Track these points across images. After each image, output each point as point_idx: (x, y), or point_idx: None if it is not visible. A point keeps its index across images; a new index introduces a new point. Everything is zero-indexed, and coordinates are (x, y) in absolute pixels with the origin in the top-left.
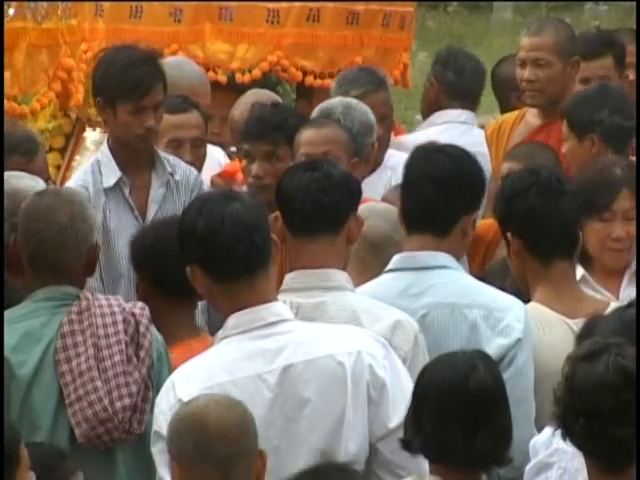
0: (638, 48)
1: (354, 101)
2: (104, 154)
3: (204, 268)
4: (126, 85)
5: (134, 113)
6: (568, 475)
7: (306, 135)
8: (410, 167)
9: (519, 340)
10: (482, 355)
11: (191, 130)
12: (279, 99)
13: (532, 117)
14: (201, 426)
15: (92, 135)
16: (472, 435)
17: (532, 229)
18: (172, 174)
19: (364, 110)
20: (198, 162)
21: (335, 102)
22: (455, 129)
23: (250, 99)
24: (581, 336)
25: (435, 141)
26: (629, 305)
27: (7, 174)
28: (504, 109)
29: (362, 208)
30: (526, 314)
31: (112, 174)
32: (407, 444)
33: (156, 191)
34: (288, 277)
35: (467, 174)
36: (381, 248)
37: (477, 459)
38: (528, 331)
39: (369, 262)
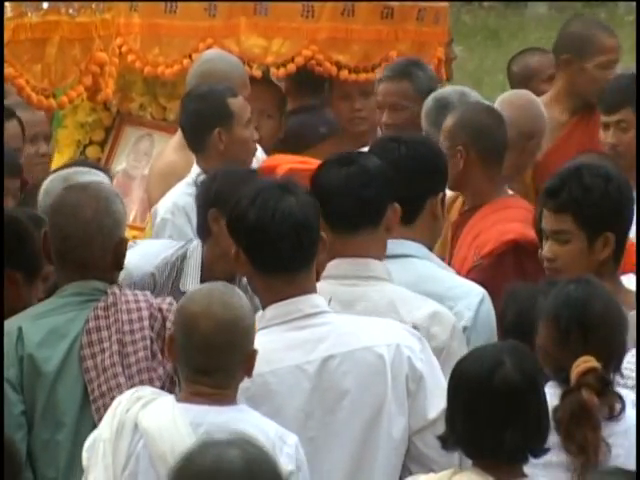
0: (638, 48)
1: (467, 89)
2: (193, 263)
3: (248, 256)
4: None
5: None
6: None
7: None
8: None
9: (465, 328)
10: (511, 348)
11: (253, 103)
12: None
13: (559, 114)
14: (191, 336)
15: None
16: (501, 431)
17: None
18: None
19: (477, 97)
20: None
21: (449, 90)
22: None
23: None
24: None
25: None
26: (570, 282)
27: (70, 171)
28: None
29: None
30: (482, 303)
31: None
32: (444, 441)
33: None
34: (330, 265)
35: (422, 157)
36: None
37: (509, 454)
38: (481, 320)
39: None
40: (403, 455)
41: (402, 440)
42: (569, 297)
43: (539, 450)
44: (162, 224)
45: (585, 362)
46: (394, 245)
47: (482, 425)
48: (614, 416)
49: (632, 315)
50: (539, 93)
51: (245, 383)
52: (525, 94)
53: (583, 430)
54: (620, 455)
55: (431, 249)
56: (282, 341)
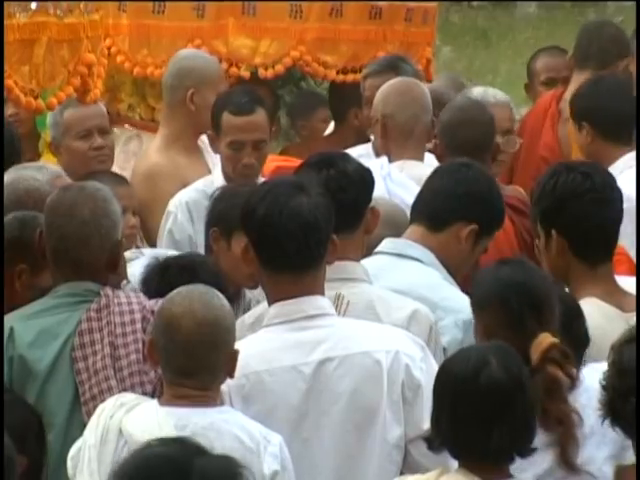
0: (638, 48)
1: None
2: None
3: (256, 251)
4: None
5: None
6: None
7: None
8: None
9: (449, 344)
10: (497, 349)
11: (253, 133)
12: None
13: None
14: (173, 337)
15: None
16: (488, 432)
17: (583, 233)
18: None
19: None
20: (259, 163)
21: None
22: None
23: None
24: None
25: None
26: (503, 262)
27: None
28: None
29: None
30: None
31: None
32: (430, 442)
33: None
34: None
35: (475, 182)
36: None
37: (495, 455)
38: (468, 339)
39: None
40: (399, 462)
41: (397, 447)
42: (511, 280)
43: (525, 450)
44: (167, 216)
45: (545, 339)
46: (406, 246)
47: (468, 425)
48: (574, 384)
49: (630, 316)
50: (536, 93)
51: (240, 381)
52: (405, 84)
53: (557, 404)
54: (590, 415)
55: (450, 272)
56: (281, 341)
